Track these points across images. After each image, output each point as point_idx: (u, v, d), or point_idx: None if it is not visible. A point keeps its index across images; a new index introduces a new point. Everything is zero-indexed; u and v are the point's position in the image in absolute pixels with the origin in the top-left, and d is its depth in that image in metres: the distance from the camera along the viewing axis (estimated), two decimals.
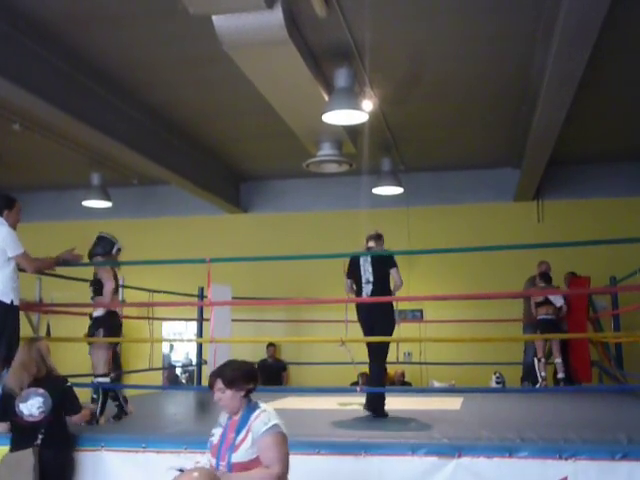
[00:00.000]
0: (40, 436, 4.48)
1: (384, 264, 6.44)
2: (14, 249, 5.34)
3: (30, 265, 5.57)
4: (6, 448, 4.63)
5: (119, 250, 6.13)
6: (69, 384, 4.80)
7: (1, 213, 5.46)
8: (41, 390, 4.57)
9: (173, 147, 10.10)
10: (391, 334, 6.43)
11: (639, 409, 6.88)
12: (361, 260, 6.49)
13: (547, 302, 8.81)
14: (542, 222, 11.48)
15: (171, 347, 12.47)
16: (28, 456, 4.39)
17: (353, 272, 6.52)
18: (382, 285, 6.41)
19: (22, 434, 4.56)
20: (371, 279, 6.39)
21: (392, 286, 6.48)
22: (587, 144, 10.32)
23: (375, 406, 6.17)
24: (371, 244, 6.80)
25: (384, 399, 6.23)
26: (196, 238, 12.26)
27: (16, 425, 4.63)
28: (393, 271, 6.45)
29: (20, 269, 5.54)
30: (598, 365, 9.37)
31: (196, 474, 2.74)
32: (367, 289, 6.38)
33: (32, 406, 4.54)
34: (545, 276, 9.02)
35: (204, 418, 6.90)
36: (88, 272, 6.48)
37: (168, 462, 4.29)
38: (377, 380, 6.47)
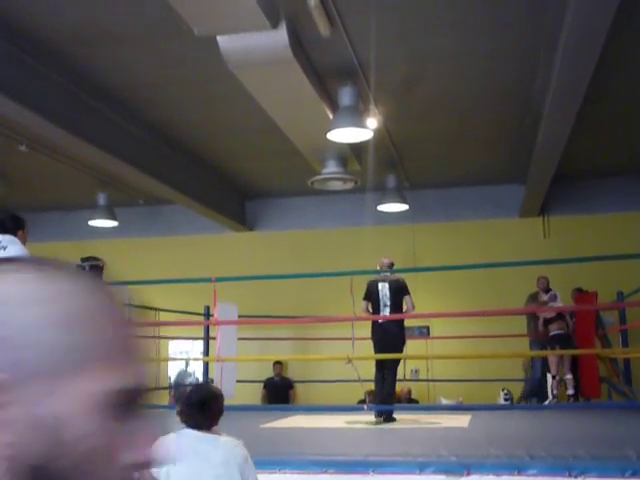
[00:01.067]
0: None
1: (400, 291, 7.36)
2: None
3: None
4: None
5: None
6: None
7: (15, 233, 5.52)
8: None
9: (178, 166, 10.15)
10: (402, 352, 7.42)
11: None
12: (379, 286, 7.37)
13: (558, 317, 8.77)
14: (548, 238, 11.46)
15: (186, 364, 12.43)
16: None
17: (371, 296, 7.36)
18: (397, 309, 7.32)
19: None
20: (388, 303, 7.25)
21: (405, 309, 7.44)
22: (592, 159, 10.32)
23: (390, 402, 7.28)
24: (388, 274, 7.64)
25: (394, 398, 7.60)
26: (202, 257, 12.28)
27: None
28: (407, 298, 7.37)
29: None
30: (606, 381, 9.32)
31: None
32: (385, 312, 7.25)
33: None
34: (547, 290, 8.99)
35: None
36: None
37: None
38: (393, 388, 7.50)
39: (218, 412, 3.43)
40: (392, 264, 7.75)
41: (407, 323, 9.06)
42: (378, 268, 7.75)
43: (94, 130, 7.93)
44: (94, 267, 5.72)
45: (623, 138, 9.50)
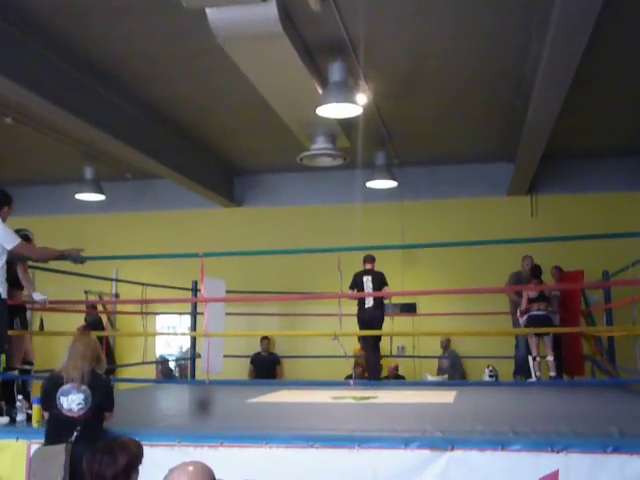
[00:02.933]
0: (76, 433, 4.39)
1: (381, 283, 8.85)
2: (12, 240, 5.36)
3: (32, 252, 5.68)
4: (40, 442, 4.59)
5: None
6: (112, 383, 4.77)
7: (1, 208, 5.52)
8: (84, 387, 4.48)
9: (167, 141, 10.08)
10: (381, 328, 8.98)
11: (631, 402, 6.92)
12: (364, 278, 8.88)
13: (540, 298, 8.79)
14: (536, 216, 11.50)
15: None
16: (60, 452, 4.31)
17: (356, 286, 8.84)
18: (379, 298, 8.87)
19: (58, 428, 4.47)
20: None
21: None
22: (581, 139, 10.34)
23: (377, 375, 8.93)
24: (368, 266, 9.08)
25: (380, 371, 9.18)
26: (190, 232, 12.25)
27: (54, 417, 4.53)
28: (386, 288, 8.88)
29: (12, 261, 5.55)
30: (590, 359, 9.42)
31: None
32: (368, 301, 8.80)
33: (72, 401, 4.47)
34: (536, 271, 8.99)
35: (198, 412, 6.91)
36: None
37: (161, 456, 4.30)
38: (377, 363, 9.05)
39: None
40: (373, 257, 9.06)
41: (394, 300, 10.44)
42: (362, 268, 9.07)
43: (81, 103, 7.86)
44: (24, 237, 5.73)
45: (611, 119, 9.52)
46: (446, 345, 11.09)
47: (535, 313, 8.75)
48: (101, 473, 2.87)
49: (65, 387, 4.50)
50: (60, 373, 4.58)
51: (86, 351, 4.59)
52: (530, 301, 8.83)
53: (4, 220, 5.52)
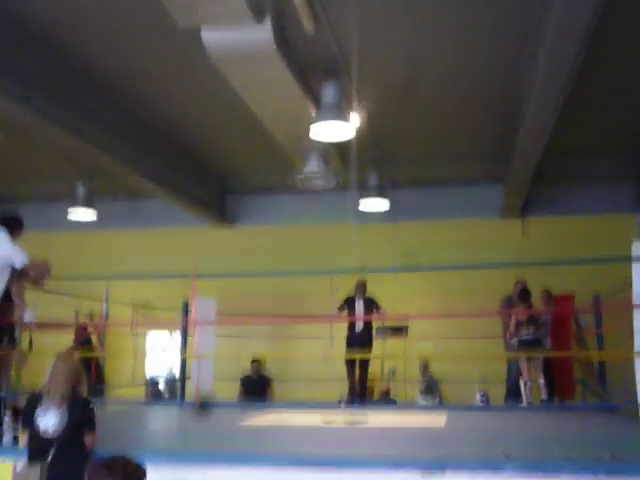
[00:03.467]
0: (52, 452, 4.39)
1: (372, 306, 9.17)
2: (21, 258, 5.52)
3: (41, 269, 5.76)
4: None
5: None
6: (92, 405, 4.72)
7: (12, 232, 5.66)
8: (61, 407, 4.49)
9: (159, 159, 10.07)
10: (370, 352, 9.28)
11: (622, 427, 6.89)
12: (356, 303, 9.16)
13: (529, 322, 8.77)
14: (527, 238, 11.51)
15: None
16: (35, 473, 4.32)
17: (348, 308, 9.13)
18: (368, 321, 9.18)
19: (36, 448, 4.49)
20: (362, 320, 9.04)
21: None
22: (572, 162, 10.40)
23: (362, 399, 9.08)
24: (360, 291, 9.37)
25: (366, 394, 9.41)
26: (182, 250, 12.20)
27: (32, 437, 4.55)
28: (380, 310, 9.26)
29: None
30: (582, 383, 9.39)
31: None
32: (359, 324, 9.06)
33: (48, 423, 4.48)
34: (524, 295, 8.97)
35: (186, 433, 6.85)
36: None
37: (150, 478, 4.24)
38: (364, 384, 9.35)
39: None
40: (365, 283, 9.37)
41: (386, 323, 10.59)
42: (354, 291, 9.36)
43: (75, 120, 7.85)
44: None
45: (602, 142, 9.60)
46: (425, 367, 11.06)
47: (525, 337, 8.72)
48: None
49: (43, 407, 4.52)
50: (40, 393, 4.62)
51: (67, 372, 4.62)
52: (519, 325, 8.80)
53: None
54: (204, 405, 4.89)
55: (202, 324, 7.55)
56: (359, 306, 9.08)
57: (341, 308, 9.12)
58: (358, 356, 8.97)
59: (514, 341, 8.85)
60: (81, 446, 4.56)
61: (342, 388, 9.82)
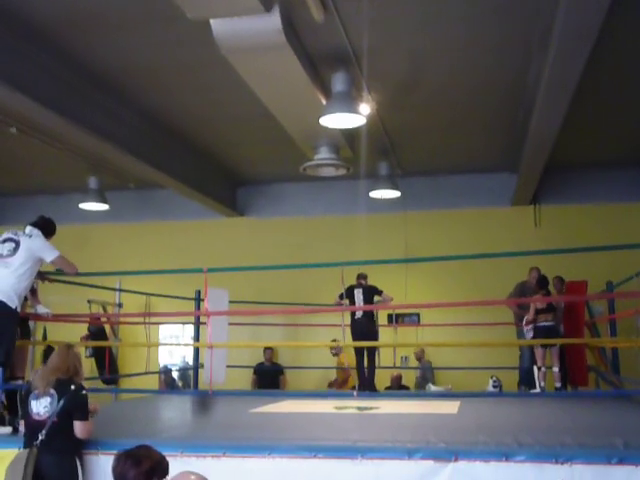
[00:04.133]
0: (40, 437, 4.50)
1: (372, 294, 9.26)
2: (52, 252, 5.73)
3: (68, 266, 5.95)
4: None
5: None
6: (85, 392, 4.80)
7: (46, 235, 5.85)
8: (52, 391, 4.64)
9: (170, 151, 10.11)
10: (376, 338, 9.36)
11: (635, 414, 6.88)
12: (355, 292, 9.21)
13: (548, 309, 8.75)
14: (539, 227, 11.48)
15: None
16: (24, 457, 4.42)
17: (348, 297, 9.21)
18: (369, 310, 9.26)
19: (30, 433, 4.63)
20: (362, 305, 9.14)
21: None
22: (584, 149, 10.34)
23: (370, 387, 9.03)
24: (361, 281, 9.40)
25: (374, 381, 9.22)
26: (193, 241, 12.27)
27: (27, 423, 4.71)
28: (382, 295, 9.25)
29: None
30: (595, 370, 9.38)
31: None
32: (359, 314, 9.15)
33: (40, 404, 4.62)
34: (542, 282, 8.96)
35: (200, 422, 6.90)
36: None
37: None
38: (372, 372, 9.23)
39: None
40: (365, 275, 9.43)
41: (397, 310, 10.77)
42: (355, 282, 9.35)
43: (85, 114, 7.88)
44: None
45: (614, 129, 9.52)
46: (420, 356, 11.12)
47: (542, 324, 8.71)
48: (124, 474, 3.02)
49: (35, 392, 4.69)
50: (32, 381, 4.84)
51: (60, 364, 4.77)
52: (537, 312, 8.79)
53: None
54: (204, 404, 4.98)
55: (214, 314, 7.58)
56: (358, 294, 9.19)
57: (341, 297, 9.23)
58: (363, 344, 8.99)
59: (529, 327, 8.85)
60: (72, 434, 4.64)
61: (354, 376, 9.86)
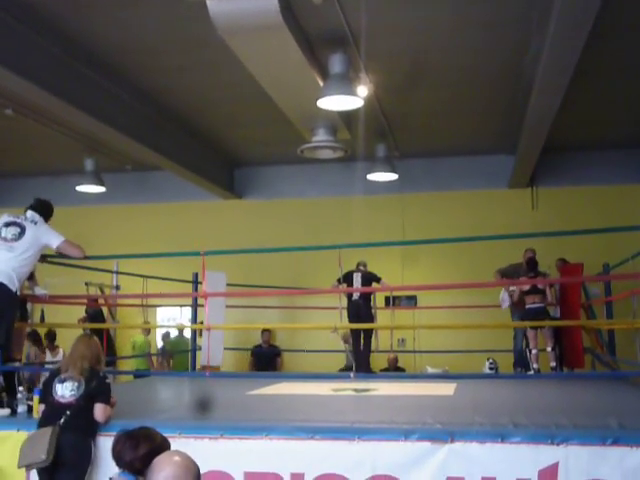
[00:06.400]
0: (65, 417, 4.61)
1: (370, 280, 9.42)
2: (58, 238, 5.78)
3: (74, 251, 5.96)
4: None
5: None
6: (109, 381, 4.98)
7: (45, 218, 5.87)
8: (79, 377, 4.78)
9: (167, 133, 10.07)
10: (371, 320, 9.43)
11: (630, 395, 6.93)
12: (354, 276, 9.37)
13: (535, 291, 8.80)
14: (536, 209, 11.49)
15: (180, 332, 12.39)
16: (46, 433, 4.51)
17: (346, 282, 9.28)
18: (366, 293, 9.44)
19: (51, 414, 4.72)
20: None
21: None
22: (582, 131, 10.33)
23: (365, 368, 9.13)
24: (362, 268, 9.57)
25: (369, 363, 9.41)
26: (190, 224, 12.26)
27: (49, 404, 4.80)
28: (381, 282, 9.42)
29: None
30: (590, 352, 9.42)
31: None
32: (356, 296, 9.32)
33: (66, 388, 4.75)
34: (531, 264, 9.00)
35: (196, 403, 6.92)
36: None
37: None
38: (368, 354, 9.40)
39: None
40: (365, 263, 9.61)
41: (394, 293, 10.79)
42: (355, 267, 9.51)
43: (82, 95, 7.84)
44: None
45: (612, 111, 9.51)
46: (347, 339, 11.02)
47: (530, 306, 8.77)
48: (121, 455, 3.06)
49: (61, 376, 4.83)
50: (60, 368, 4.96)
51: (86, 351, 4.93)
52: (525, 294, 8.84)
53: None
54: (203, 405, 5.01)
55: (212, 295, 7.59)
56: (357, 278, 9.35)
57: (339, 282, 9.33)
58: (361, 326, 9.13)
59: (508, 298, 9.22)
60: (91, 417, 4.77)
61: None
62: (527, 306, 8.80)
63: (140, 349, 11.31)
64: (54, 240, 5.75)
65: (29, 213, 5.78)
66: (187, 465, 2.70)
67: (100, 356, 5.04)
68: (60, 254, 6.09)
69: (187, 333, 11.64)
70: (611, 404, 6.18)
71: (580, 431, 4.28)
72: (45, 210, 5.93)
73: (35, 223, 5.70)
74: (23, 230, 5.61)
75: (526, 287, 8.82)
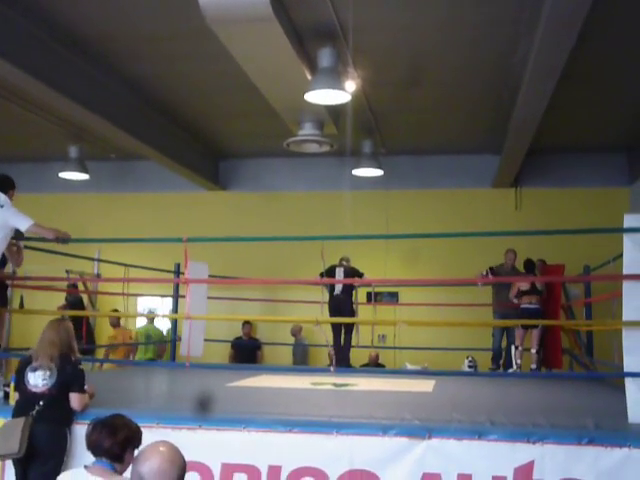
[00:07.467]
0: (37, 407, 4.55)
1: (353, 276, 9.45)
2: (26, 221, 5.49)
3: (45, 232, 5.72)
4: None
5: None
6: (81, 367, 4.86)
7: (6, 192, 5.62)
8: (52, 365, 4.67)
9: (152, 122, 10.01)
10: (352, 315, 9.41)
11: (607, 396, 6.98)
12: (337, 271, 9.40)
13: (533, 291, 8.81)
14: (520, 209, 11.56)
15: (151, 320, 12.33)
16: (19, 424, 4.45)
17: (329, 276, 9.07)
18: (347, 289, 9.42)
19: (24, 403, 4.65)
20: (341, 285, 9.36)
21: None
22: (567, 133, 10.39)
23: (345, 363, 9.17)
24: (345, 263, 9.59)
25: (349, 358, 9.45)
26: (174, 214, 12.20)
27: (22, 393, 4.72)
28: (363, 278, 9.56)
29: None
30: (569, 352, 9.50)
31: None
32: (338, 289, 9.39)
33: (38, 377, 4.65)
34: (528, 265, 9.01)
35: (176, 394, 6.91)
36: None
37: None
38: (348, 349, 9.41)
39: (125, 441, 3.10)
40: (348, 258, 9.65)
41: (376, 289, 10.41)
42: (338, 262, 9.49)
43: (68, 81, 7.78)
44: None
45: (597, 115, 9.57)
46: (296, 332, 11.41)
47: (526, 306, 8.79)
48: (98, 443, 3.06)
49: (33, 365, 4.71)
50: (31, 355, 4.83)
51: (55, 338, 4.78)
52: (522, 294, 8.86)
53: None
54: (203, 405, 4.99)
55: (193, 282, 7.55)
56: (339, 272, 9.37)
57: (321, 276, 9.12)
58: (342, 320, 9.10)
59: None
60: (66, 406, 4.70)
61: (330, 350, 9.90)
62: (523, 306, 8.83)
63: (157, 338, 11.21)
64: (22, 223, 5.49)
65: None
66: (172, 458, 2.70)
67: (71, 342, 4.86)
68: (38, 237, 5.88)
69: (159, 324, 11.62)
70: (588, 404, 6.24)
71: (556, 430, 4.32)
72: (5, 185, 5.69)
73: (1, 207, 5.47)
74: None
75: (525, 287, 8.84)
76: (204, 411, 4.81)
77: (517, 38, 6.93)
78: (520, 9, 6.35)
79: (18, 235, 5.75)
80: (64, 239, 5.95)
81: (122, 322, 11.35)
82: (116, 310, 10.79)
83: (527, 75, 6.93)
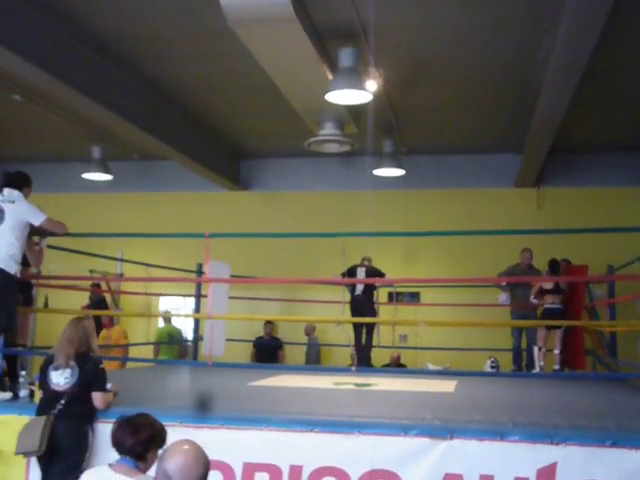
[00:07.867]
0: (59, 406, 4.60)
1: (374, 276, 9.37)
2: (40, 216, 5.56)
3: (57, 227, 5.79)
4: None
5: None
6: (102, 366, 4.90)
7: (21, 189, 5.64)
8: (73, 363, 4.73)
9: (174, 123, 10.07)
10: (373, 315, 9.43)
11: (630, 397, 6.92)
12: (358, 271, 9.30)
13: (556, 291, 8.73)
14: (542, 209, 11.47)
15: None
16: (40, 423, 4.50)
17: (350, 276, 9.22)
18: (368, 289, 9.42)
19: (47, 401, 4.70)
20: (362, 285, 9.38)
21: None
22: (589, 132, 10.30)
23: (366, 363, 9.18)
24: (366, 263, 9.57)
25: (370, 358, 9.49)
26: (195, 214, 12.26)
27: (45, 392, 4.78)
28: (385, 277, 9.53)
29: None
30: (592, 353, 9.42)
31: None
32: (358, 291, 9.38)
33: (60, 375, 4.71)
34: (553, 266, 8.92)
35: (198, 393, 6.94)
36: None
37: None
38: (369, 349, 9.47)
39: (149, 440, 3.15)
40: (370, 258, 9.63)
41: (397, 289, 10.61)
42: (359, 262, 9.48)
43: (91, 82, 7.85)
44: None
45: (620, 113, 9.48)
46: (309, 332, 11.41)
47: (549, 306, 8.71)
48: (122, 441, 3.10)
49: (55, 363, 4.77)
50: (52, 354, 4.89)
51: (73, 336, 4.83)
52: (544, 293, 8.77)
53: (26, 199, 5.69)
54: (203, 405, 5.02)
55: (215, 281, 7.58)
56: (361, 272, 9.34)
57: (343, 275, 9.33)
58: (363, 320, 9.07)
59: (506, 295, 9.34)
60: (88, 404, 4.74)
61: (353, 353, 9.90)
62: (546, 306, 8.76)
63: (179, 338, 11.30)
64: (36, 218, 5.54)
65: (6, 191, 5.57)
66: (197, 455, 2.73)
67: (89, 341, 4.89)
68: (46, 232, 5.90)
69: (178, 323, 11.69)
70: (611, 406, 6.18)
71: (579, 432, 4.27)
72: (20, 182, 5.70)
73: (13, 202, 5.51)
74: (2, 212, 5.47)
75: (548, 286, 8.76)
76: (204, 411, 4.84)
77: (538, 36, 6.89)
78: (541, 7, 6.31)
79: (41, 233, 5.82)
80: (69, 233, 6.00)
81: (115, 320, 11.34)
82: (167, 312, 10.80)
83: (549, 73, 6.88)
